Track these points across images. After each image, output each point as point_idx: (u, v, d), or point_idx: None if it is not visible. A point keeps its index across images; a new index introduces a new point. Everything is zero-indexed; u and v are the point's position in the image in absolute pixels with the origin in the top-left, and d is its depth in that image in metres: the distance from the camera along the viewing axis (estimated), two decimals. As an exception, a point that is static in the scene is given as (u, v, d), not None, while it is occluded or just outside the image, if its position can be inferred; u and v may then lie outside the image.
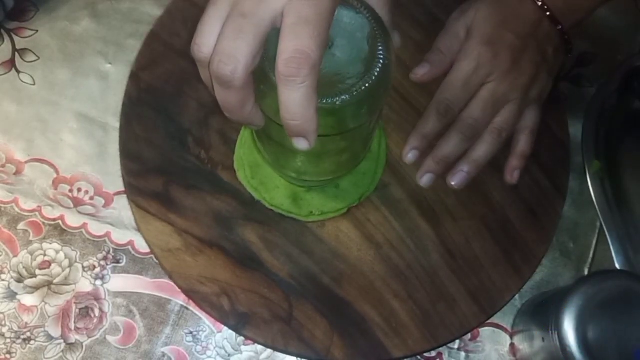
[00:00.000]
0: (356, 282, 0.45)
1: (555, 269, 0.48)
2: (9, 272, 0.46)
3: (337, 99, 0.32)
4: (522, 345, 0.45)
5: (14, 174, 0.49)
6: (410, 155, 0.47)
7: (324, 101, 0.32)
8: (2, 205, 0.48)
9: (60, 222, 0.48)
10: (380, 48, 0.33)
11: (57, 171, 0.49)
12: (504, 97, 0.45)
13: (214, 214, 0.46)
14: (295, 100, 0.29)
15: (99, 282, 0.46)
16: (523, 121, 0.47)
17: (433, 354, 0.46)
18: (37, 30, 0.53)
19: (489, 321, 0.46)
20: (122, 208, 0.48)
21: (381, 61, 0.32)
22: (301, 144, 0.31)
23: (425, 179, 0.47)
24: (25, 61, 0.52)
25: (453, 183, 0.47)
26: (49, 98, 0.51)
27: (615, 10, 0.56)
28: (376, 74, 0.32)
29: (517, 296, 0.46)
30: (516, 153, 0.47)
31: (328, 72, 0.33)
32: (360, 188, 0.46)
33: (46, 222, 0.47)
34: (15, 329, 0.45)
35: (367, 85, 0.32)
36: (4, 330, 0.45)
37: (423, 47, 0.50)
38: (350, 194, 0.46)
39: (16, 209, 0.48)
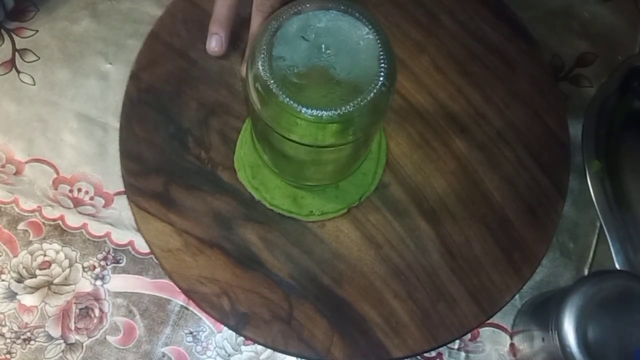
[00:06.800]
0: (356, 282, 0.45)
1: (555, 269, 0.48)
2: (9, 272, 0.46)
3: (324, 113, 0.32)
4: (522, 345, 0.45)
5: (14, 174, 0.49)
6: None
7: (313, 112, 0.32)
8: (2, 206, 0.48)
9: (60, 222, 0.48)
10: (382, 72, 0.33)
11: (57, 171, 0.49)
12: None
13: (214, 214, 0.46)
14: None
15: (99, 282, 0.46)
16: None
17: (433, 354, 0.46)
18: (37, 30, 0.53)
19: (489, 321, 0.46)
20: (122, 208, 0.48)
21: (376, 88, 0.32)
22: None
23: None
24: (25, 61, 0.52)
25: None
26: (49, 98, 0.51)
27: (615, 10, 0.56)
28: (368, 98, 0.32)
29: (517, 296, 0.46)
30: None
31: (325, 83, 0.33)
32: (360, 188, 0.46)
33: (46, 222, 0.47)
34: (15, 329, 0.45)
35: (354, 107, 0.32)
36: (4, 330, 0.45)
37: (423, 47, 0.50)
38: (350, 194, 0.46)
39: (16, 209, 0.48)
